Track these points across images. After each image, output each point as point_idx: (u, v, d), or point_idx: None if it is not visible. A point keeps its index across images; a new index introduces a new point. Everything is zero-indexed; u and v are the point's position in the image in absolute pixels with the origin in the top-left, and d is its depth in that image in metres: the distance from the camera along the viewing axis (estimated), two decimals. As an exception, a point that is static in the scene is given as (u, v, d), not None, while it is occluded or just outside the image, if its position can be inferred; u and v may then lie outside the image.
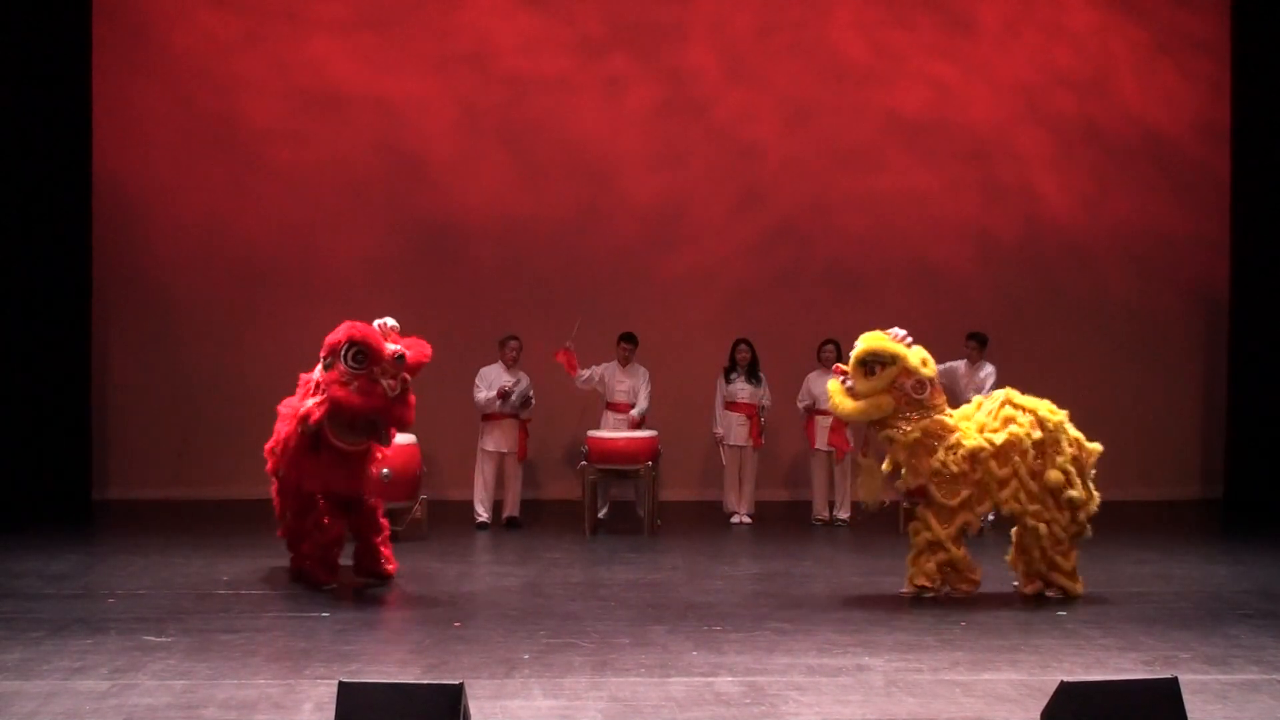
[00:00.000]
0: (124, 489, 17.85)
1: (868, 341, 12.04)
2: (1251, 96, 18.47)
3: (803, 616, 11.41)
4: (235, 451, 17.93)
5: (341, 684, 7.39)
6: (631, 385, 16.46)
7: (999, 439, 12.17)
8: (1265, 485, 17.99)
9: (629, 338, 16.57)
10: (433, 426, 16.07)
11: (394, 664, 9.84)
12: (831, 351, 16.58)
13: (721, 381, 16.73)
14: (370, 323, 12.07)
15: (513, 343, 16.36)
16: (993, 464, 12.15)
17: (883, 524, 16.11)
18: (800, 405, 16.67)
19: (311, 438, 12.23)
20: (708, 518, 16.92)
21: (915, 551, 12.34)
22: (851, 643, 10.45)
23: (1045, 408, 12.41)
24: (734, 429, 16.67)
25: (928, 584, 12.25)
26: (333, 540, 12.51)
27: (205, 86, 18.22)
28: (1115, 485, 18.15)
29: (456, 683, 7.42)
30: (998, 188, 18.83)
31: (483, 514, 16.23)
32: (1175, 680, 7.59)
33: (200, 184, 18.21)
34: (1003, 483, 12.19)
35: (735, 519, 16.66)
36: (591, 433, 15.93)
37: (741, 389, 16.63)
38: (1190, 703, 7.67)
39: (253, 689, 9.03)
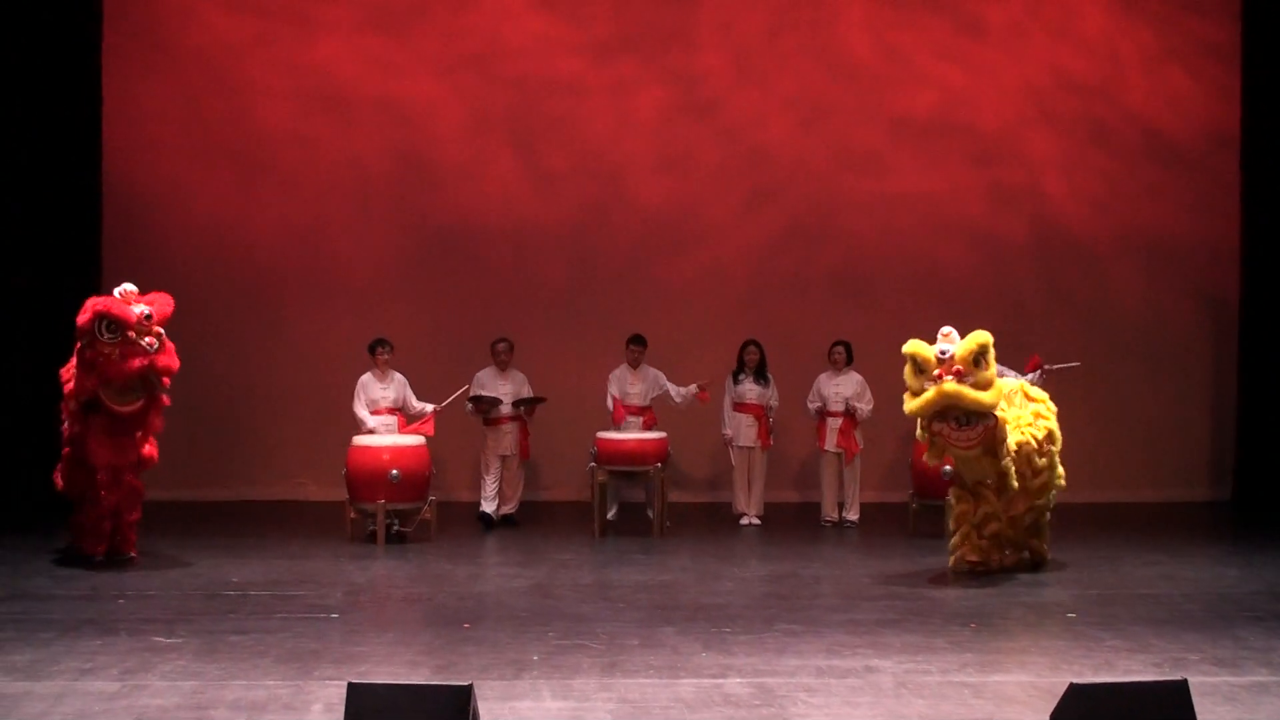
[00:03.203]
0: (133, 490, 17.87)
1: (977, 336, 12.66)
2: (1261, 100, 18.41)
3: (812, 618, 11.42)
4: (243, 453, 18.05)
5: (351, 685, 7.40)
6: (643, 388, 16.46)
7: (1040, 432, 13.43)
8: (1275, 486, 17.94)
9: (638, 340, 16.56)
10: (442, 429, 16.05)
11: (403, 665, 9.86)
12: (841, 353, 16.59)
13: (730, 383, 16.71)
14: (111, 293, 13.24)
15: (501, 345, 16.43)
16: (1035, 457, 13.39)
17: (892, 525, 16.15)
18: (811, 407, 16.65)
19: (88, 406, 13.26)
20: (717, 519, 16.90)
21: (967, 527, 13.17)
22: (861, 644, 10.45)
23: (1046, 403, 13.81)
24: (743, 430, 16.64)
25: (978, 559, 13.20)
26: (107, 512, 13.43)
27: (215, 88, 18.23)
28: (1123, 487, 18.29)
29: (466, 684, 7.42)
30: (1006, 190, 18.79)
31: (487, 507, 16.28)
32: (1185, 682, 7.59)
33: (210, 186, 18.21)
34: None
35: (744, 520, 16.64)
36: (601, 434, 15.92)
37: (749, 390, 16.61)
38: (1200, 705, 7.66)
39: (262, 690, 9.05)
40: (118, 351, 12.86)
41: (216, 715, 8.51)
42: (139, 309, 12.96)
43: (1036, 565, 13.65)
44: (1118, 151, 18.85)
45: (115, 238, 17.74)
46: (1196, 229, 18.87)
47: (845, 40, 18.69)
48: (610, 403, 16.42)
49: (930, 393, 12.52)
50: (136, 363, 12.90)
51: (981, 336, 12.63)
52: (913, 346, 12.71)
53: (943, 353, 12.52)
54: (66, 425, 13.74)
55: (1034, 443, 13.20)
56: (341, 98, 18.34)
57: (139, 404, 13.21)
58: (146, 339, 12.92)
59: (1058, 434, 13.57)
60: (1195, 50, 18.91)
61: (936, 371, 12.53)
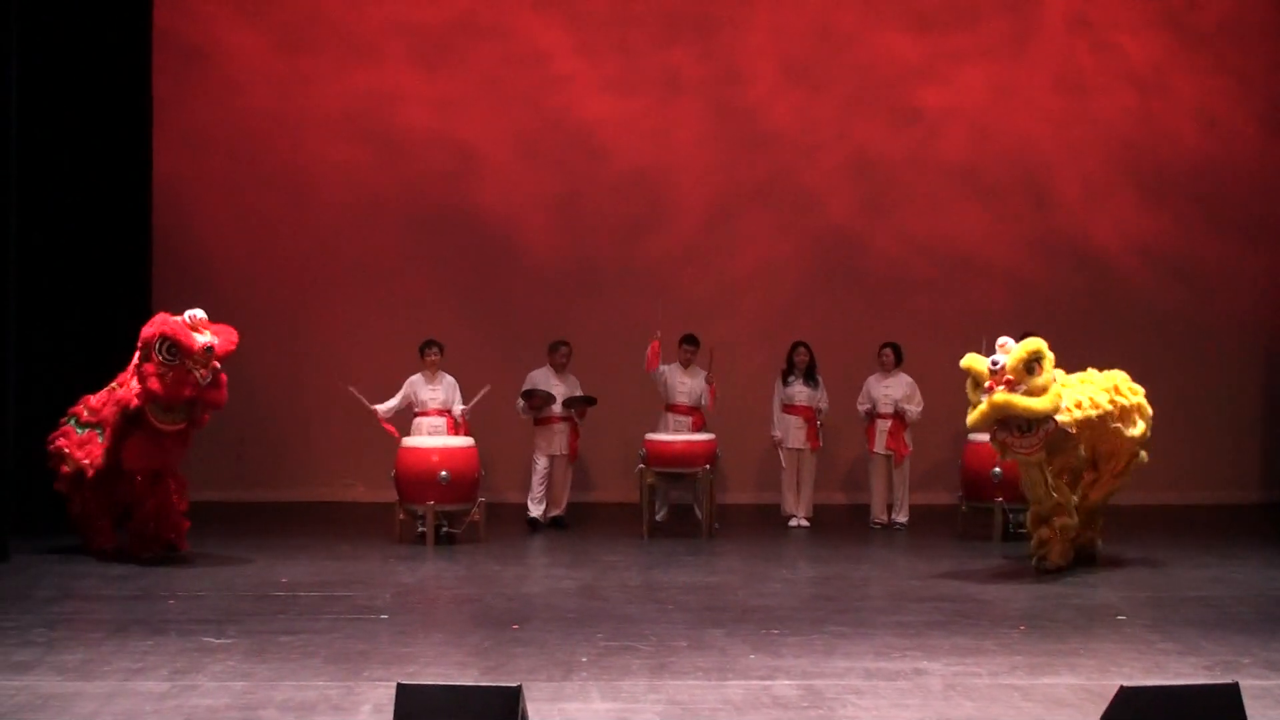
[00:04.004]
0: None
1: (1028, 344, 12.72)
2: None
3: (861, 620, 11.40)
4: (293, 454, 18.10)
5: (400, 686, 7.41)
6: (692, 388, 16.45)
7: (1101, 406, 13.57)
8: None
9: (691, 340, 16.54)
10: (491, 430, 16.09)
11: (452, 666, 9.87)
12: (890, 355, 16.56)
13: (779, 384, 16.69)
14: (182, 315, 13.19)
15: (563, 348, 16.45)
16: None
17: (941, 527, 16.10)
18: (861, 409, 16.62)
19: (130, 419, 13.36)
20: (765, 521, 16.88)
21: (1053, 527, 13.22)
22: (909, 646, 10.43)
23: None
24: (792, 432, 16.62)
25: (1063, 563, 13.33)
26: (151, 513, 13.62)
27: (262, 91, 18.30)
28: (1174, 489, 18.18)
29: (514, 685, 7.43)
30: (1054, 191, 18.74)
31: (535, 511, 16.30)
32: (1236, 686, 7.54)
33: (257, 188, 18.31)
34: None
35: (793, 522, 16.62)
36: (650, 435, 15.91)
37: (799, 391, 16.58)
38: (1251, 708, 7.62)
39: (312, 690, 9.08)
40: (171, 375, 12.91)
41: (266, 716, 8.53)
42: (203, 339, 12.98)
43: (1089, 558, 13.76)
44: (1167, 152, 18.76)
45: (164, 240, 17.76)
46: (1247, 229, 18.77)
47: (890, 43, 18.64)
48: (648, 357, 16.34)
49: (983, 404, 12.63)
50: (185, 391, 12.99)
51: (1033, 344, 12.67)
52: (969, 361, 12.82)
53: (994, 364, 12.58)
54: (66, 433, 14.15)
55: (1110, 408, 13.46)
56: (387, 97, 18.38)
57: (181, 425, 13.33)
58: (200, 371, 12.95)
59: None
60: (1240, 45, 18.80)
61: (988, 383, 12.57)
